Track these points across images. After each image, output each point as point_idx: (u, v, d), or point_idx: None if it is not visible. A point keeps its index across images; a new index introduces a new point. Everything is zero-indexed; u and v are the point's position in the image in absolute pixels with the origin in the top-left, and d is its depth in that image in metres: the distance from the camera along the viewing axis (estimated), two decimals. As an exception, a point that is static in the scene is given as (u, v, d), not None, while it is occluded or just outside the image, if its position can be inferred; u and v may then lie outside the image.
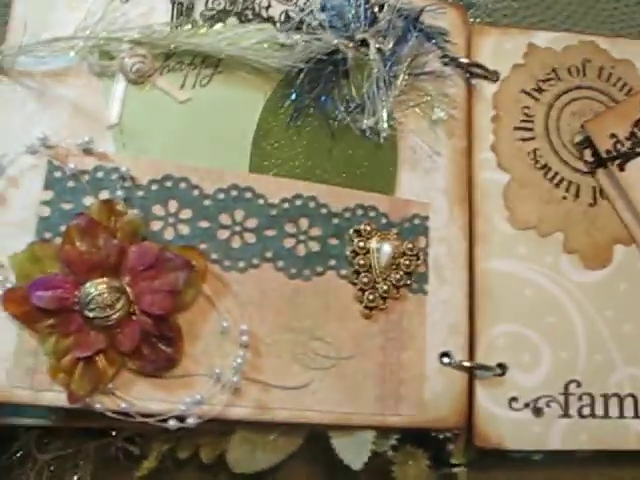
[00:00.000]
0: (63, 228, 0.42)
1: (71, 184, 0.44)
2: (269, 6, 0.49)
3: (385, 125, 0.47)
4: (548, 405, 0.48)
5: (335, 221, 0.46)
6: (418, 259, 0.47)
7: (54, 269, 0.42)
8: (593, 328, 0.49)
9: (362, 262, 0.46)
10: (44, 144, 0.44)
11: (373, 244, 0.46)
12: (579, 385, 0.48)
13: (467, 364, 0.47)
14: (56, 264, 0.42)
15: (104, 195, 0.44)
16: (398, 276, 0.46)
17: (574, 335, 0.49)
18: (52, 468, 0.45)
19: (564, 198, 0.51)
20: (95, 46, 0.45)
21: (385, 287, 0.46)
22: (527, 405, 0.48)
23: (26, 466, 0.44)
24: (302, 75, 0.47)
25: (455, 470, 0.48)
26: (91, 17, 0.46)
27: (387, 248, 0.46)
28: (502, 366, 0.48)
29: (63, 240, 0.42)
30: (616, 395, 0.48)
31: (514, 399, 0.48)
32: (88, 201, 0.44)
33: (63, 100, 0.45)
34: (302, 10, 0.49)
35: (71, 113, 0.45)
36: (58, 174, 0.44)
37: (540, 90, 0.52)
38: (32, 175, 0.44)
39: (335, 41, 0.48)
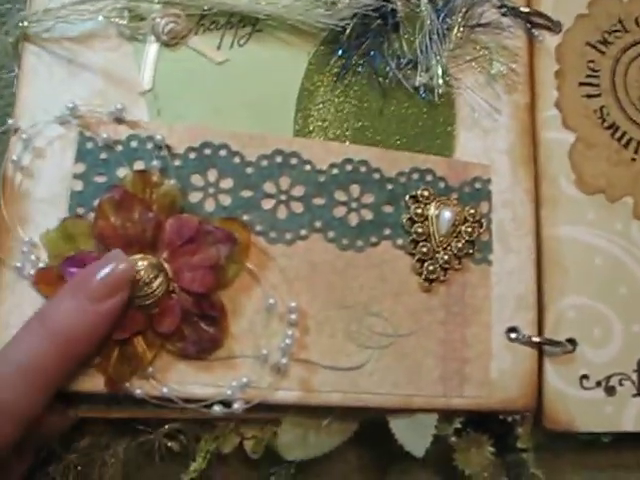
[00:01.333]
0: (97, 202, 0.37)
1: (104, 155, 0.39)
2: (309, -44, 0.43)
3: (440, 81, 0.42)
4: (621, 383, 0.42)
5: (389, 187, 0.41)
6: (481, 226, 0.42)
7: (88, 246, 0.37)
8: (667, 299, 0.43)
9: (420, 230, 0.41)
10: (74, 113, 0.39)
11: (432, 210, 0.41)
12: (653, 361, 0.42)
13: (536, 339, 0.41)
14: (90, 241, 0.37)
15: (139, 166, 0.39)
16: (460, 245, 0.41)
17: (647, 307, 0.43)
18: (79, 468, 0.39)
19: (633, 160, 0.45)
20: (124, 7, 0.40)
21: (446, 257, 0.41)
22: (599, 384, 0.42)
23: (51, 466, 0.39)
24: (348, 31, 0.41)
25: (523, 455, 0.43)
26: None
27: (447, 214, 0.41)
28: (572, 341, 0.42)
29: (96, 215, 0.37)
30: (694, 372, 0.42)
31: (585, 377, 0.42)
32: (122, 173, 0.39)
33: (92, 66, 0.40)
34: (345, -40, 0.43)
35: (101, 80, 0.40)
36: (90, 145, 0.39)
37: (606, 42, 0.46)
38: (62, 147, 0.39)
39: (383, -9, 0.42)
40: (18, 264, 0.37)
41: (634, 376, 0.42)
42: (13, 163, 0.38)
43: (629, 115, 0.45)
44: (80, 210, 0.38)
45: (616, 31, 0.46)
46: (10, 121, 0.39)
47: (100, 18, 0.40)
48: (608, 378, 0.42)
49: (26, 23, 0.40)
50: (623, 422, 0.42)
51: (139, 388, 0.37)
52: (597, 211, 0.44)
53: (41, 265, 0.37)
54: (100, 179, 0.39)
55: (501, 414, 0.41)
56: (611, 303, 0.43)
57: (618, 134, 0.45)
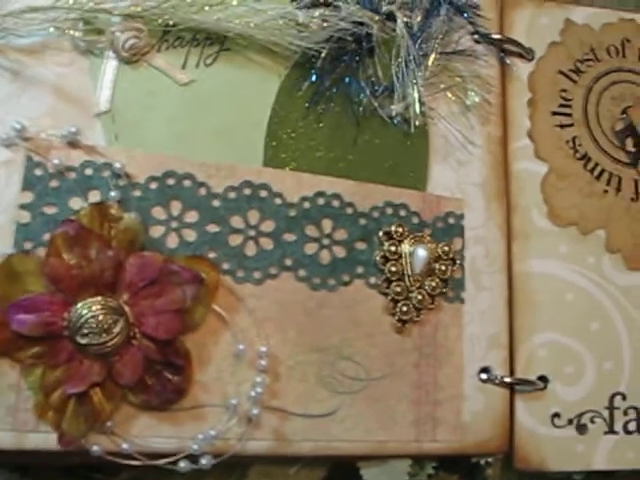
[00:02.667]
0: (47, 237, 0.33)
1: (55, 183, 0.34)
2: (280, -29, 0.39)
3: (416, 111, 0.39)
4: (592, 421, 0.41)
5: (362, 222, 0.38)
6: (454, 263, 0.39)
7: (37, 287, 0.33)
8: (638, 336, 0.42)
9: (394, 269, 0.38)
10: (21, 135, 0.34)
11: (405, 248, 0.38)
12: (624, 398, 0.41)
13: (508, 380, 0.39)
14: (40, 281, 0.33)
15: (95, 196, 0.35)
16: (434, 284, 0.38)
17: (618, 343, 0.42)
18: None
19: (605, 192, 0.43)
20: (79, 18, 0.35)
21: (420, 297, 0.38)
22: (570, 421, 0.40)
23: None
24: (323, 54, 0.37)
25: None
26: (71, -20, 0.36)
27: (422, 252, 0.38)
28: (544, 379, 0.40)
29: (48, 252, 0.33)
30: (663, 408, 0.41)
31: (556, 415, 0.40)
32: (76, 203, 0.35)
33: (42, 82, 0.35)
34: (318, -23, 0.40)
35: (52, 97, 0.35)
36: (39, 172, 0.34)
37: (578, 71, 0.44)
38: (7, 173, 0.34)
39: (359, 14, 0.38)
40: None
41: (605, 413, 0.41)
42: (-50, 191, 0.34)
43: (601, 146, 0.43)
44: (27, 245, 0.34)
45: (588, 60, 0.44)
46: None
47: (52, 29, 0.35)
48: (580, 416, 0.40)
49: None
50: (595, 461, 0.40)
51: (96, 444, 0.33)
52: (569, 244, 0.42)
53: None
54: (50, 210, 0.34)
55: (474, 457, 0.39)
56: (583, 339, 0.41)
57: (590, 165, 0.43)
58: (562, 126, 0.43)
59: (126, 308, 0.33)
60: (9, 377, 0.33)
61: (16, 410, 0.33)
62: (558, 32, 0.44)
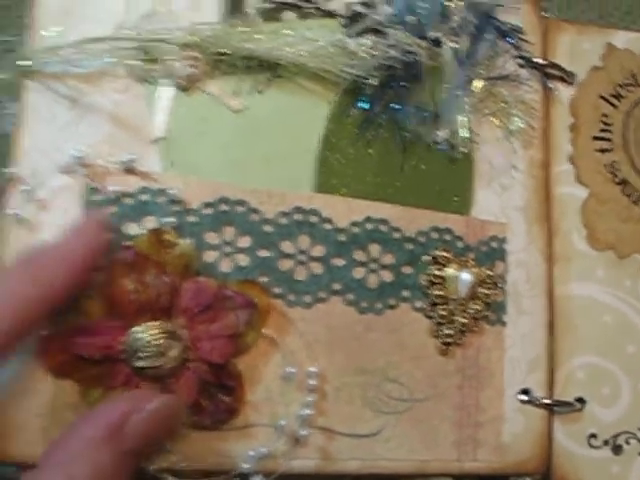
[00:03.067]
0: (104, 261, 0.34)
1: (112, 209, 0.35)
2: (330, -3, 0.40)
3: (463, 137, 0.39)
4: (627, 442, 0.41)
5: (409, 247, 0.39)
6: (497, 287, 0.40)
7: (96, 311, 0.34)
8: (673, 358, 0.42)
9: (439, 293, 0.38)
10: (80, 162, 0.35)
11: (451, 272, 0.39)
12: (659, 420, 0.42)
13: (547, 401, 0.40)
14: (98, 305, 0.34)
15: (150, 221, 0.35)
16: (477, 307, 0.39)
17: (654, 366, 0.42)
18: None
19: (643, 217, 0.43)
20: (137, 47, 0.36)
21: (463, 320, 0.39)
22: (606, 442, 0.41)
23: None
24: (373, 82, 0.38)
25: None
26: (129, 9, 0.36)
27: (467, 277, 0.39)
28: (581, 400, 0.41)
29: (106, 277, 0.33)
30: (697, 430, 0.42)
31: (593, 436, 0.41)
32: (132, 229, 0.35)
33: (100, 109, 0.36)
34: (366, 3, 0.40)
35: (109, 124, 0.36)
36: (97, 197, 0.35)
37: (619, 96, 0.44)
38: (67, 199, 0.35)
39: (407, 41, 0.39)
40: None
41: None
42: (13, 216, 0.34)
43: (639, 171, 0.44)
44: (86, 269, 0.34)
45: (629, 85, 0.45)
46: (9, 170, 0.35)
47: (110, 59, 0.35)
48: (615, 437, 0.41)
49: (26, 63, 0.35)
50: (629, 481, 0.41)
51: (151, 463, 0.34)
52: (606, 268, 0.42)
53: (43, 332, 0.33)
54: (107, 235, 0.35)
55: (513, 476, 0.40)
56: (619, 362, 0.42)
57: (628, 190, 0.43)
58: (602, 151, 0.43)
59: (182, 332, 0.34)
60: (69, 396, 0.34)
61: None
62: (599, 57, 0.44)
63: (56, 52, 0.35)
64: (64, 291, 0.31)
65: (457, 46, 0.40)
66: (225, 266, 0.36)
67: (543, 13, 0.44)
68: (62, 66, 0.36)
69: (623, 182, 0.43)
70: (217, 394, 0.35)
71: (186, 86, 0.36)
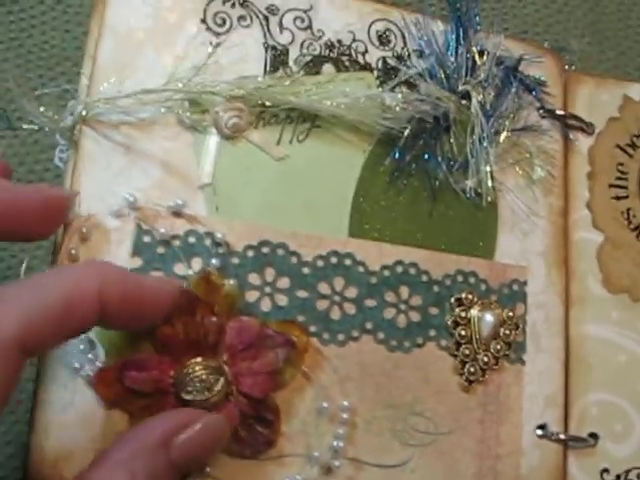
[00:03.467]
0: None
1: (161, 250, 0.38)
2: (366, 51, 0.42)
3: (489, 186, 0.42)
4: (639, 477, 0.44)
5: (436, 289, 0.41)
6: (517, 328, 0.42)
7: (148, 347, 0.36)
8: (682, 397, 0.45)
9: (463, 333, 0.41)
10: (132, 205, 0.37)
11: (474, 313, 0.41)
12: (669, 457, 0.44)
13: (562, 437, 0.42)
14: (150, 341, 0.36)
15: (197, 262, 0.38)
16: (499, 347, 0.41)
17: (664, 404, 0.45)
18: None
19: (656, 261, 0.46)
20: (186, 98, 0.38)
21: (486, 359, 0.41)
22: (618, 477, 0.43)
23: None
24: (406, 133, 0.41)
25: None
26: (180, 63, 0.39)
27: (489, 318, 0.41)
28: (594, 436, 0.43)
29: (157, 316, 0.36)
30: None
31: (606, 471, 0.43)
32: (179, 269, 0.38)
33: (151, 156, 0.39)
34: (399, 57, 0.43)
35: (160, 170, 0.38)
36: (147, 239, 0.38)
37: (634, 146, 0.47)
38: (119, 239, 0.37)
39: (437, 93, 0.41)
40: (76, 364, 0.36)
41: (651, 471, 0.44)
42: (68, 256, 0.37)
43: (653, 218, 0.46)
44: (136, 306, 0.37)
45: (643, 135, 0.47)
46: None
47: (162, 110, 0.38)
48: (627, 472, 0.43)
49: (84, 112, 0.37)
50: (639, 515, 0.43)
51: (191, 483, 0.36)
52: (621, 310, 0.45)
53: (98, 364, 0.36)
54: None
55: (529, 508, 0.42)
56: (632, 400, 0.44)
57: (642, 236, 0.46)
58: (618, 198, 0.46)
59: (226, 368, 0.36)
60: (119, 425, 0.36)
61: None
62: (617, 108, 0.47)
63: (112, 102, 0.37)
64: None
65: (484, 99, 0.43)
66: (265, 305, 0.38)
67: (566, 67, 0.47)
68: (117, 115, 0.38)
69: (638, 228, 0.46)
70: (256, 426, 0.37)
71: (231, 135, 0.39)
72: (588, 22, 0.51)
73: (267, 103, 0.39)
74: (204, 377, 0.36)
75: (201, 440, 0.34)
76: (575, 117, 0.46)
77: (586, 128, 0.46)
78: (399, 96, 0.41)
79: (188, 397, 0.36)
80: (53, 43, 0.44)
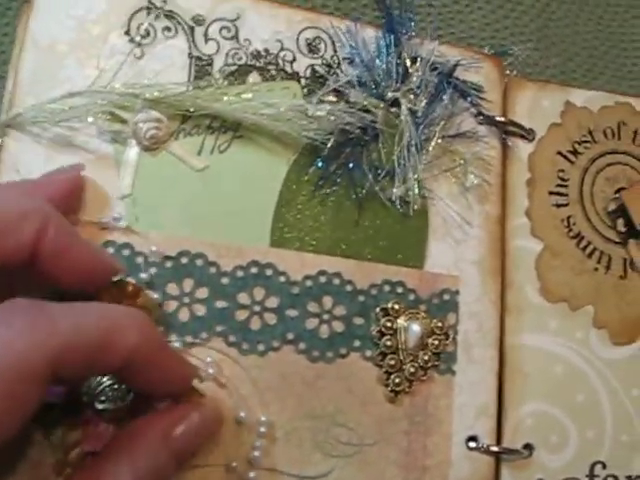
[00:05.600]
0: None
1: (79, 260, 0.38)
2: (294, 60, 0.42)
3: (416, 194, 0.42)
4: (574, 487, 0.43)
5: (361, 299, 0.41)
6: (447, 338, 0.42)
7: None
8: (620, 407, 0.45)
9: (389, 343, 0.41)
10: (51, 216, 0.38)
11: (401, 323, 0.41)
12: (604, 467, 0.44)
13: (495, 449, 0.42)
14: (63, 351, 0.36)
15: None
16: (426, 357, 0.41)
17: (601, 415, 0.44)
18: None
19: (595, 270, 0.45)
20: (107, 107, 0.39)
21: (412, 369, 0.41)
22: (553, 488, 0.43)
23: None
24: (330, 144, 0.41)
25: None
26: (103, 74, 0.39)
27: (416, 328, 0.41)
28: (529, 447, 0.43)
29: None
30: (640, 477, 0.44)
31: (540, 481, 0.43)
32: (97, 280, 0.38)
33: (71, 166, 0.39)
34: (328, 65, 0.43)
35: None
36: (66, 249, 0.38)
37: (576, 153, 0.46)
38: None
39: (365, 102, 0.41)
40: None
41: (586, 481, 0.43)
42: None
43: (594, 225, 0.46)
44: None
45: (586, 141, 0.47)
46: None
47: (90, 119, 0.38)
48: (562, 483, 0.43)
49: (13, 116, 0.38)
50: (575, 528, 0.43)
51: None
52: (559, 319, 0.44)
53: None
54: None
55: (457, 520, 0.42)
56: (568, 410, 0.44)
57: (583, 244, 0.45)
58: (558, 205, 0.45)
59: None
60: (34, 437, 0.37)
61: (39, 465, 0.37)
62: (558, 114, 0.47)
63: (36, 108, 0.38)
64: None
65: (415, 106, 0.43)
66: (184, 316, 0.39)
67: (507, 72, 0.47)
68: (39, 124, 0.38)
69: (577, 236, 0.45)
70: (172, 436, 0.37)
71: (150, 147, 0.39)
72: (535, 28, 0.50)
73: (191, 109, 0.39)
74: (117, 386, 0.36)
75: (198, 429, 0.35)
76: (514, 123, 0.46)
77: (526, 134, 0.46)
78: (325, 106, 0.40)
79: (101, 406, 0.36)
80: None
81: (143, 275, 0.38)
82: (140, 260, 0.38)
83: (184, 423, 0.34)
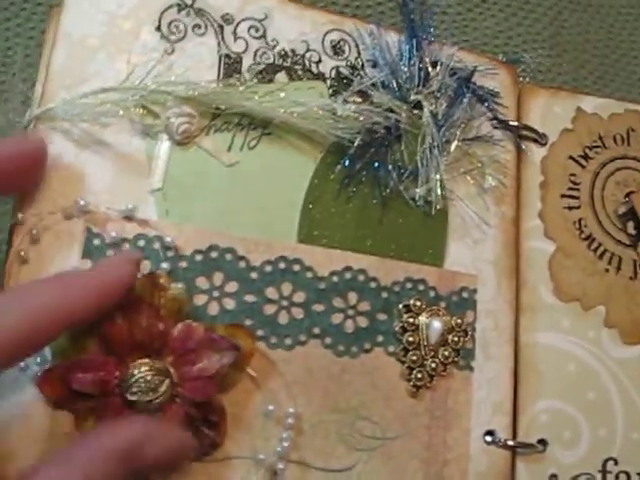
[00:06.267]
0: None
1: (111, 253, 0.39)
2: (319, 61, 0.44)
3: (438, 194, 0.43)
4: (586, 482, 0.45)
5: (384, 295, 0.42)
6: (466, 335, 0.43)
7: (93, 346, 0.37)
8: (631, 405, 0.46)
9: (411, 339, 0.42)
10: (82, 209, 0.38)
11: (422, 320, 0.42)
12: (616, 463, 0.45)
13: (511, 443, 0.43)
14: (95, 342, 0.37)
15: (145, 266, 0.39)
16: (447, 353, 0.42)
17: (612, 412, 0.46)
18: None
19: (606, 271, 0.47)
20: (139, 102, 0.39)
21: (433, 365, 0.42)
22: (566, 483, 0.44)
23: None
24: (356, 143, 0.42)
25: None
26: (134, 69, 0.40)
27: (437, 325, 0.42)
28: (543, 442, 0.44)
29: (104, 317, 0.37)
30: (652, 474, 0.45)
31: (554, 476, 0.44)
32: (129, 272, 0.38)
33: (103, 160, 0.39)
34: (353, 67, 0.44)
35: (112, 175, 0.39)
36: (97, 242, 0.39)
37: (586, 157, 0.48)
38: (69, 242, 0.38)
39: (389, 103, 0.43)
40: (22, 363, 0.36)
41: (599, 476, 0.45)
42: (18, 257, 0.38)
43: (604, 228, 0.47)
44: (85, 308, 0.38)
45: (596, 147, 0.48)
46: (19, 214, 0.38)
47: (121, 112, 0.39)
48: (575, 477, 0.44)
49: (38, 111, 0.39)
50: (587, 520, 0.44)
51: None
52: (572, 319, 0.46)
53: (43, 365, 0.37)
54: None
55: (476, 513, 0.43)
56: (581, 407, 0.45)
57: (594, 245, 0.47)
58: (570, 208, 0.47)
59: (171, 370, 0.37)
60: (64, 426, 0.37)
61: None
62: (570, 119, 0.48)
63: (67, 103, 0.38)
64: (89, 311, 0.34)
65: (436, 109, 0.44)
66: (213, 309, 0.39)
67: (520, 78, 0.48)
68: (70, 118, 0.39)
69: (589, 237, 0.47)
70: (201, 428, 0.38)
71: (182, 141, 0.40)
72: (548, 35, 0.52)
73: (221, 107, 0.40)
74: (149, 378, 0.36)
75: (164, 455, 0.34)
76: (528, 128, 0.47)
77: (539, 139, 0.47)
78: (351, 106, 0.42)
79: (133, 398, 0.36)
80: (16, 50, 0.45)
81: (164, 265, 0.38)
82: (171, 254, 0.39)
83: (151, 445, 0.34)
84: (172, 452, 0.35)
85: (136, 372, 0.36)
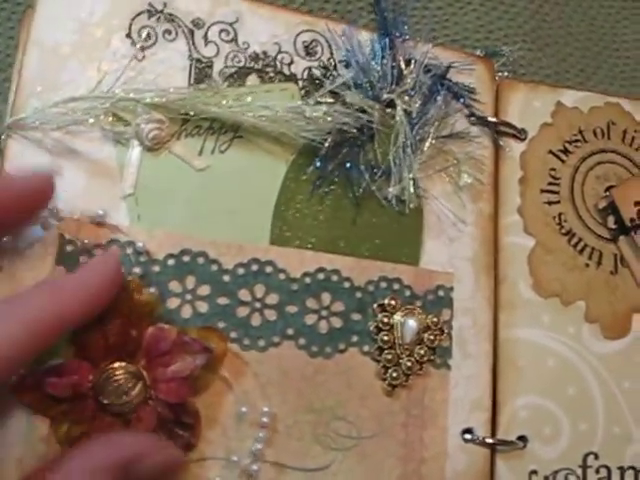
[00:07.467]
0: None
1: (84, 259, 0.39)
2: (291, 62, 0.44)
3: (412, 193, 0.43)
4: (567, 478, 0.45)
5: (358, 295, 0.42)
6: (442, 333, 0.43)
7: (67, 352, 0.38)
8: (611, 400, 0.46)
9: (386, 338, 0.42)
10: (55, 216, 0.39)
11: (397, 319, 0.43)
12: (597, 457, 0.45)
13: (490, 441, 0.44)
14: (68, 346, 0.38)
15: (118, 270, 0.39)
16: (422, 352, 0.43)
17: (593, 407, 0.46)
18: None
19: (587, 265, 0.47)
20: (109, 109, 0.40)
21: (409, 364, 0.42)
22: (546, 478, 0.45)
23: None
24: (327, 144, 0.42)
25: None
26: (105, 76, 0.41)
27: (412, 323, 0.42)
28: (523, 439, 0.44)
29: (76, 322, 0.38)
30: (632, 468, 0.46)
31: (534, 472, 0.44)
32: (101, 277, 0.39)
33: (75, 167, 0.40)
34: (325, 67, 0.44)
35: (84, 181, 0.40)
36: (70, 248, 0.39)
37: (566, 152, 0.48)
38: (42, 249, 0.39)
39: (361, 103, 0.43)
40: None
41: (579, 471, 0.45)
42: (-7, 265, 0.39)
43: (585, 222, 0.47)
44: (59, 313, 0.39)
45: (576, 141, 0.48)
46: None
47: (90, 120, 0.40)
48: (555, 473, 0.44)
49: (10, 120, 0.39)
50: (568, 516, 0.44)
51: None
52: (552, 314, 0.46)
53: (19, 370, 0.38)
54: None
55: (454, 512, 0.43)
56: (561, 402, 0.45)
57: (574, 240, 0.47)
58: (550, 203, 0.47)
59: (144, 373, 0.38)
60: (40, 430, 0.38)
61: (46, 458, 0.38)
62: (549, 114, 0.48)
63: (39, 112, 0.39)
64: (80, 315, 0.35)
65: (409, 107, 0.44)
66: (186, 312, 0.40)
67: (500, 73, 0.48)
68: (42, 125, 0.40)
69: (569, 232, 0.47)
70: (175, 429, 0.39)
71: (152, 147, 0.41)
72: (529, 29, 0.52)
73: (190, 113, 0.41)
74: (122, 381, 0.37)
75: (159, 471, 0.35)
76: (506, 123, 0.47)
77: (518, 134, 0.47)
78: (321, 108, 0.42)
79: (106, 401, 0.37)
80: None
81: (136, 270, 0.39)
82: (143, 258, 0.40)
83: (147, 461, 0.35)
84: (165, 467, 0.36)
85: (109, 376, 0.37)
